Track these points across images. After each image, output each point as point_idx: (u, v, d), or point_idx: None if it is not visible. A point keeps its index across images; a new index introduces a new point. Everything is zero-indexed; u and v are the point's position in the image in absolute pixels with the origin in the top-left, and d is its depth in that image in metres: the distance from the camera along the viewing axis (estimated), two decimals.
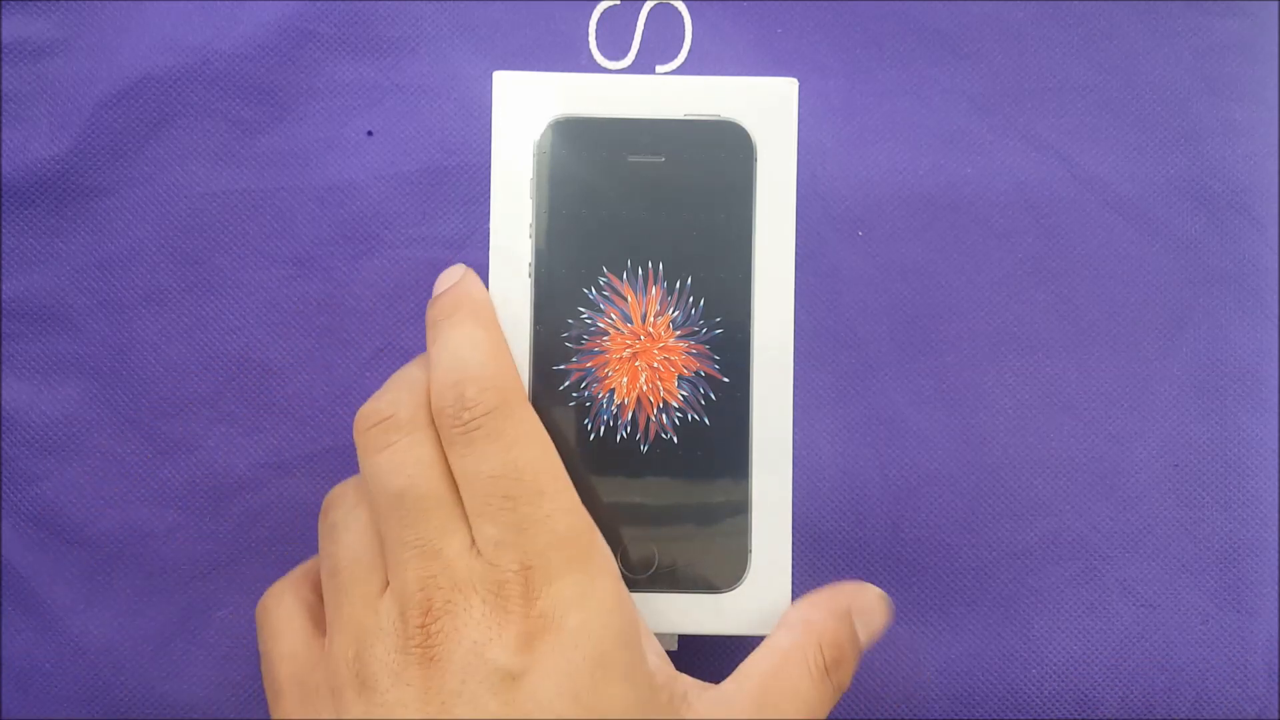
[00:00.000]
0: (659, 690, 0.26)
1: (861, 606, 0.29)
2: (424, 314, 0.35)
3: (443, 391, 0.26)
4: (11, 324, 0.35)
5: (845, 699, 0.34)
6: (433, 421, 0.27)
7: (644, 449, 0.29)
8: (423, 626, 0.25)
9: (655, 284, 0.29)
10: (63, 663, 0.34)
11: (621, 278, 0.29)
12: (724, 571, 0.29)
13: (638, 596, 0.29)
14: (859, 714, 0.34)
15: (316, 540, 0.29)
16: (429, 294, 0.35)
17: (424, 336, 0.35)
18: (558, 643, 0.24)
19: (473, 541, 0.26)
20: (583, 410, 0.29)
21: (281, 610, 0.28)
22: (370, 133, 0.36)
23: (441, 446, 0.26)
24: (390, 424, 0.27)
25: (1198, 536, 0.35)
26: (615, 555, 0.29)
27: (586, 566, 0.26)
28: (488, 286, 0.29)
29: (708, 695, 0.27)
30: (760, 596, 0.29)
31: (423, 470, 0.26)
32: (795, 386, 0.33)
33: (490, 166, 0.29)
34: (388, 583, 0.26)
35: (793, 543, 0.30)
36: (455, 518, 0.26)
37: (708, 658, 0.34)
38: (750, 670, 0.27)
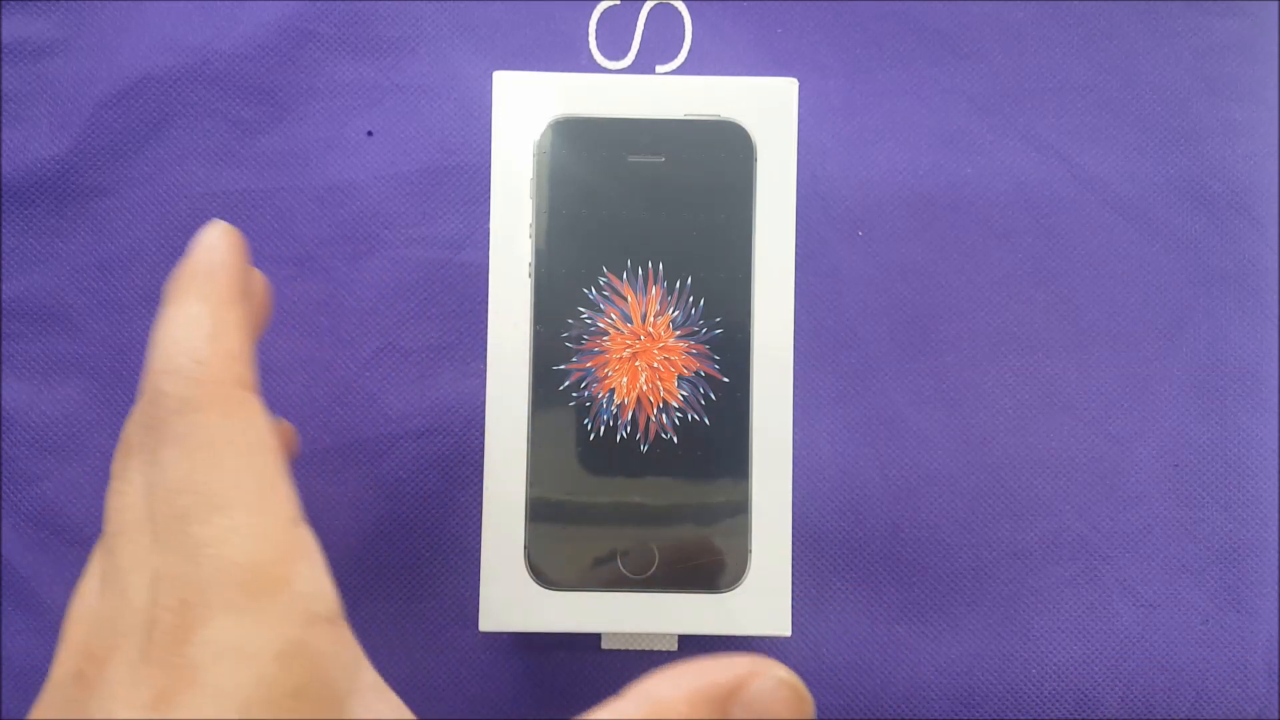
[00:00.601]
0: None
1: (752, 698, 0.20)
2: (424, 314, 0.35)
3: (143, 385, 0.22)
4: (11, 324, 0.35)
5: (846, 699, 0.34)
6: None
7: (644, 449, 0.29)
8: (78, 676, 0.20)
9: (655, 284, 0.29)
10: None
11: (621, 278, 0.29)
12: (724, 571, 0.29)
13: (638, 597, 0.29)
14: (859, 714, 0.34)
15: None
16: (429, 294, 0.35)
17: (423, 337, 0.35)
18: (193, 701, 0.19)
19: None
20: (583, 410, 0.29)
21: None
22: (370, 133, 0.36)
23: None
24: (120, 447, 0.22)
25: (1198, 536, 0.35)
26: (615, 555, 0.29)
27: (259, 604, 0.20)
28: (488, 287, 0.29)
29: None
30: (760, 596, 0.29)
31: (125, 494, 0.22)
32: (795, 386, 0.33)
33: (490, 166, 0.29)
34: None
35: (793, 543, 0.30)
36: (148, 548, 0.21)
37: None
38: None
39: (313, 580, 0.21)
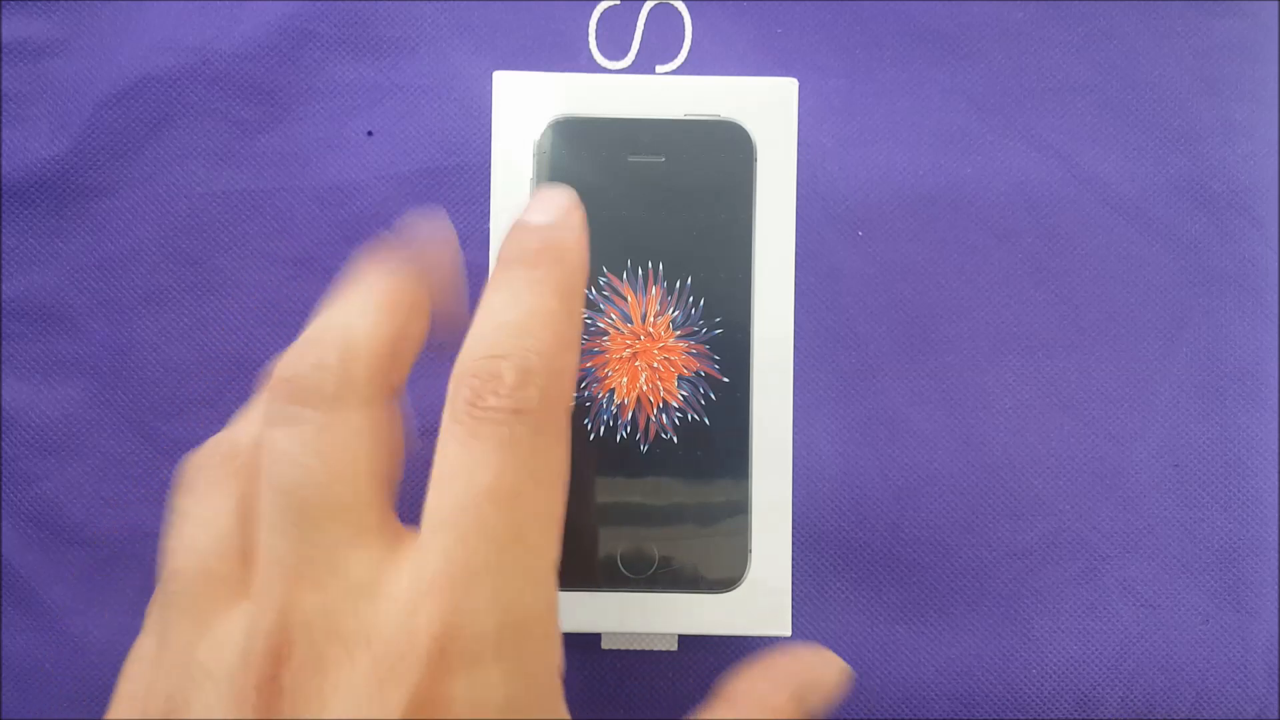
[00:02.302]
0: None
1: (817, 680, 0.23)
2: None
3: (476, 354, 0.20)
4: (11, 324, 0.35)
5: (846, 699, 0.34)
6: (378, 398, 0.20)
7: (644, 449, 0.29)
8: (270, 681, 0.18)
9: (655, 284, 0.29)
10: (62, 663, 0.34)
11: (621, 278, 0.29)
12: (724, 571, 0.29)
13: (638, 597, 0.29)
14: (859, 714, 0.34)
15: None
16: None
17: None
18: None
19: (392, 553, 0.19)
20: (583, 410, 0.29)
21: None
22: (370, 133, 0.36)
23: (382, 435, 0.20)
24: (308, 390, 0.19)
25: (1198, 536, 0.35)
26: (615, 555, 0.29)
27: (526, 656, 0.19)
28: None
29: None
30: (760, 596, 0.29)
31: (343, 462, 0.19)
32: (795, 386, 0.33)
33: (490, 166, 0.29)
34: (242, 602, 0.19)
35: (793, 543, 0.30)
36: (373, 531, 0.19)
37: (708, 658, 0.34)
38: None
39: (556, 635, 0.20)
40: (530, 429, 0.19)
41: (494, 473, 0.19)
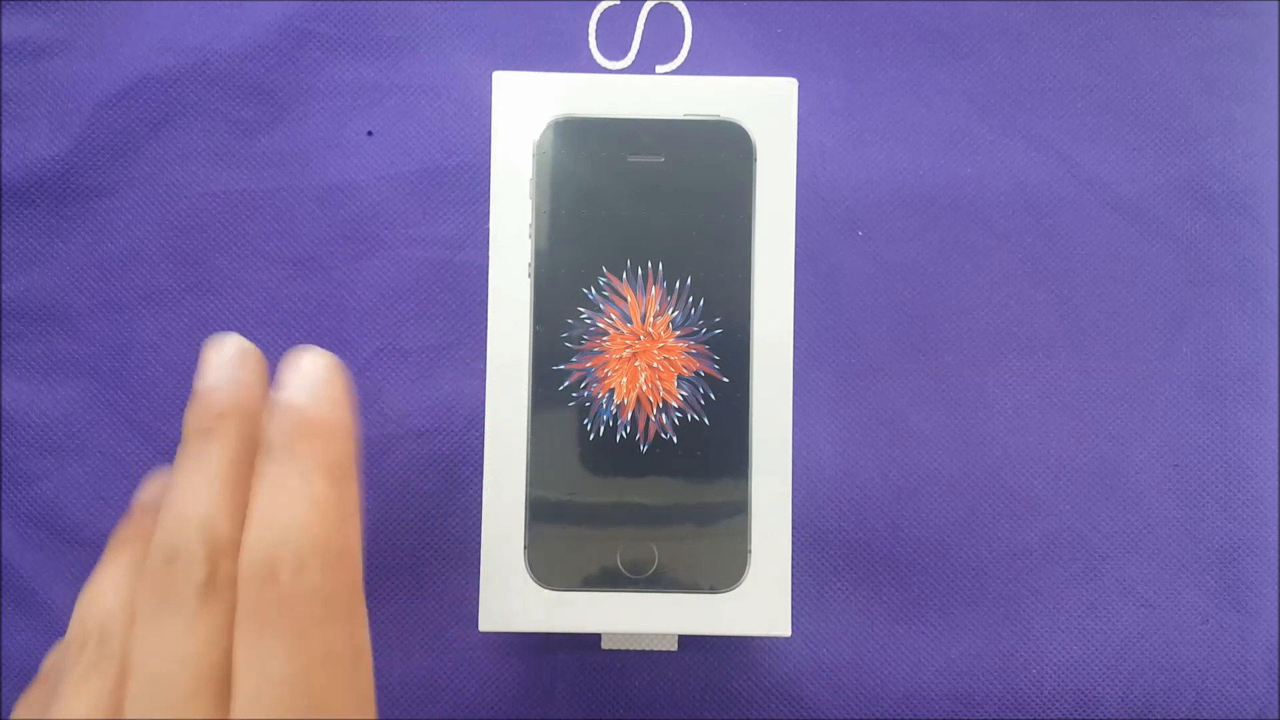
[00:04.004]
0: None
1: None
2: (424, 314, 0.35)
3: (253, 553, 0.20)
4: (11, 324, 0.35)
5: (845, 699, 0.34)
6: (230, 582, 0.21)
7: (644, 449, 0.29)
8: None
9: (655, 284, 0.29)
10: None
11: (621, 278, 0.29)
12: (724, 571, 0.29)
13: (638, 597, 0.29)
14: (858, 714, 0.34)
15: None
16: (429, 294, 0.35)
17: (423, 337, 0.35)
18: None
19: None
20: (583, 410, 0.29)
21: None
22: (370, 133, 0.36)
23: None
24: (173, 585, 0.21)
25: (1198, 536, 0.35)
26: (615, 555, 0.29)
27: None
28: (488, 287, 0.29)
29: None
30: (760, 596, 0.29)
31: (193, 653, 0.20)
32: (795, 386, 0.33)
33: (490, 166, 0.29)
34: None
35: (793, 543, 0.30)
36: (213, 714, 0.20)
37: (707, 658, 0.34)
38: None
39: None
40: (315, 613, 0.20)
41: (284, 661, 0.20)
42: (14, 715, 0.23)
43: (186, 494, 0.21)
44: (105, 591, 0.22)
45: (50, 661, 0.25)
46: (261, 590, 0.20)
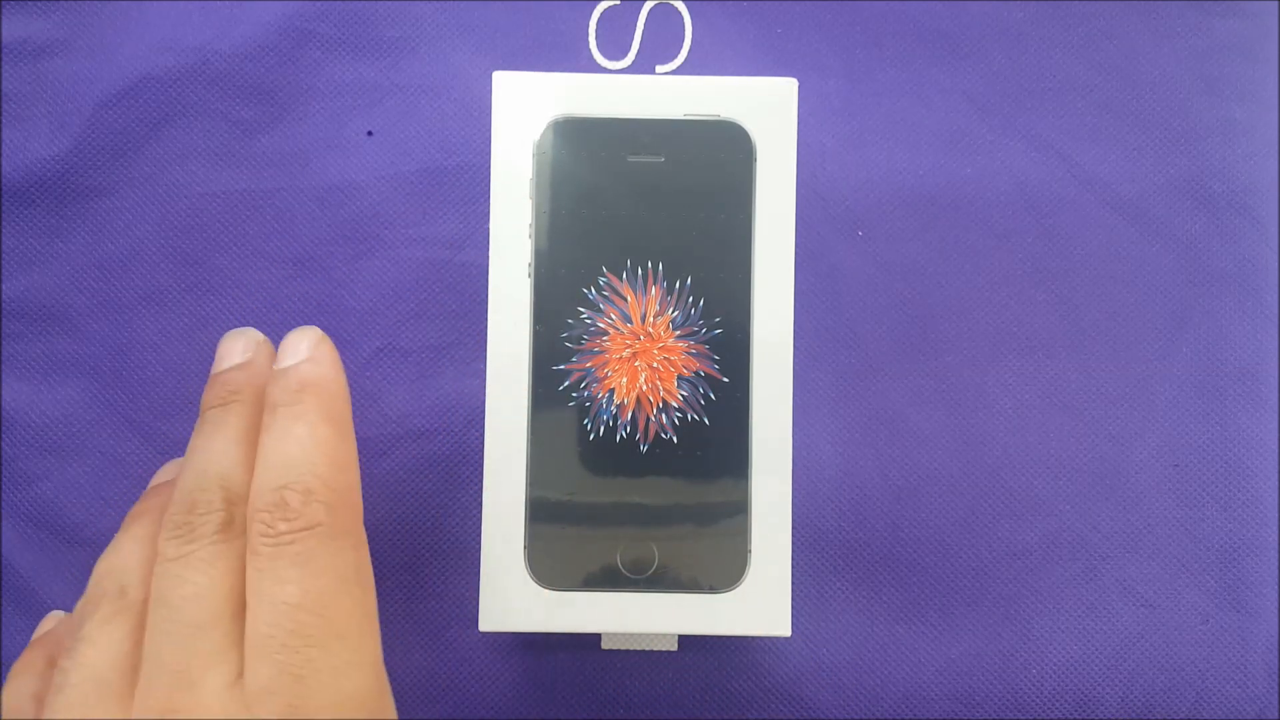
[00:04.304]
0: None
1: None
2: (424, 314, 0.35)
3: (263, 492, 0.22)
4: (11, 324, 0.35)
5: (845, 699, 0.34)
6: (245, 527, 0.23)
7: (644, 449, 0.29)
8: None
9: (655, 284, 0.29)
10: None
11: (621, 278, 0.29)
12: (724, 571, 0.29)
13: (638, 597, 0.29)
14: (858, 714, 0.34)
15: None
16: (429, 294, 0.35)
17: (423, 337, 0.35)
18: None
19: (240, 674, 0.21)
20: (583, 410, 0.29)
21: (10, 699, 0.24)
22: (370, 133, 0.36)
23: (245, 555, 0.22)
24: (193, 529, 0.22)
25: (1198, 536, 0.35)
26: (615, 555, 0.29)
27: None
28: (488, 287, 0.29)
29: None
30: (760, 596, 0.29)
31: (212, 583, 0.22)
32: (795, 386, 0.33)
33: (490, 166, 0.29)
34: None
35: (793, 543, 0.30)
36: (229, 644, 0.21)
37: (707, 658, 0.34)
38: None
39: (393, 714, 0.23)
40: (323, 541, 0.22)
41: (298, 587, 0.21)
42: (10, 678, 0.24)
43: (204, 453, 0.24)
44: (124, 553, 0.24)
45: (45, 627, 0.26)
46: (272, 518, 0.22)
